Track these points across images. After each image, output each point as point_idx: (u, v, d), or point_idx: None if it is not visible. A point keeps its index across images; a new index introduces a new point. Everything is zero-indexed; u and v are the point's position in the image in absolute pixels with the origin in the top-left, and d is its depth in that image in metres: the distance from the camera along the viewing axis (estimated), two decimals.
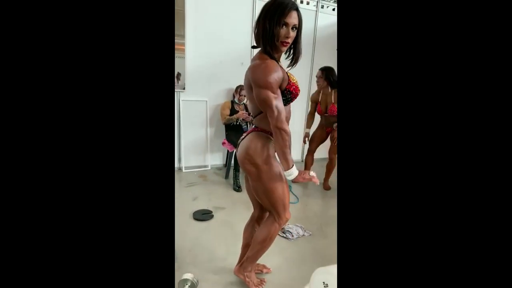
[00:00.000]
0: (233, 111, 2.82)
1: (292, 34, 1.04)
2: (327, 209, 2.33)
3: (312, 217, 2.17)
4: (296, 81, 1.12)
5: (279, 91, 1.05)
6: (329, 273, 1.06)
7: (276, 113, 1.01)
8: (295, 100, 1.15)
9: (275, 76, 1.02)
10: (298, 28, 1.05)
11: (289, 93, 1.09)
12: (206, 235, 1.82)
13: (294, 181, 1.10)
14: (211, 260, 1.58)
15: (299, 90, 1.13)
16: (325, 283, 1.06)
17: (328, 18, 3.33)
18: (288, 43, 1.04)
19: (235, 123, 2.81)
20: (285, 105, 1.10)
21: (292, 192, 1.28)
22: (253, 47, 1.12)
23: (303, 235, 1.87)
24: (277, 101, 1.03)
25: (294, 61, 1.13)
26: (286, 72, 1.10)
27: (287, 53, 1.11)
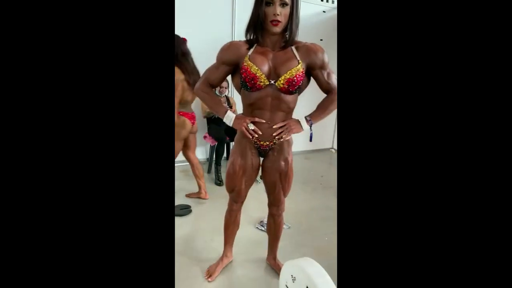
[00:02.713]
0: None
1: (283, 10, 0.95)
2: (307, 202, 2.31)
3: (290, 210, 2.13)
4: (252, 67, 1.00)
5: (223, 66, 1.09)
6: (298, 266, 1.03)
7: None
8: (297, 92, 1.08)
9: (223, 51, 1.07)
10: (292, 4, 0.96)
11: (241, 77, 1.04)
12: (183, 230, 1.78)
13: (233, 126, 1.12)
14: (186, 252, 1.55)
15: (252, 76, 1.00)
16: (293, 276, 1.03)
17: (312, 8, 3.27)
18: (279, 21, 0.95)
19: (216, 116, 2.75)
20: (247, 90, 1.06)
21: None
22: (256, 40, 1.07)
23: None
24: (209, 71, 1.12)
25: (286, 42, 1.04)
26: (248, 56, 1.01)
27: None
